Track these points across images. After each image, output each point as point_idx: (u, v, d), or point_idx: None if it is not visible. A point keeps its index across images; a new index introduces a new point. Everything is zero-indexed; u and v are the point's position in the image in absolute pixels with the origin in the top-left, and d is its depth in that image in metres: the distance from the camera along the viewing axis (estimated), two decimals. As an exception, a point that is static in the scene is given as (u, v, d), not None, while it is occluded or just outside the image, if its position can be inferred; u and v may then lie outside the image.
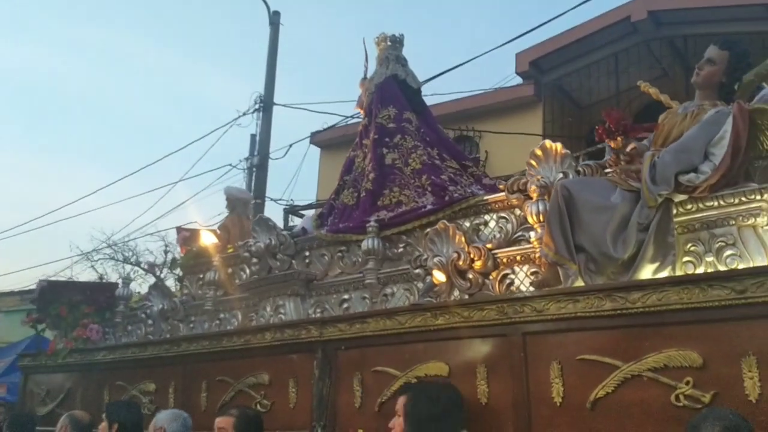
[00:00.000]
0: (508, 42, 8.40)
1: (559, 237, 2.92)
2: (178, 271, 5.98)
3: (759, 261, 2.62)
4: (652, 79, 8.81)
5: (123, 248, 16.13)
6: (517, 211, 3.65)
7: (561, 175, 3.39)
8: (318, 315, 4.31)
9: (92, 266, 16.37)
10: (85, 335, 5.75)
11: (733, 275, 2.49)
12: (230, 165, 10.26)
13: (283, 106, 9.96)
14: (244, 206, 6.82)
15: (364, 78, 5.53)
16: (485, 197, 3.84)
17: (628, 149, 3.02)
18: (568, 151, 3.44)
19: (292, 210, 9.13)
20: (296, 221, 8.30)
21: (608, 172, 3.27)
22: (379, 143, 4.82)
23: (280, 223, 9.32)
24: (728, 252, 2.68)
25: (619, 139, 2.96)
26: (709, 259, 2.74)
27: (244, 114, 9.63)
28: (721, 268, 2.69)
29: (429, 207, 4.11)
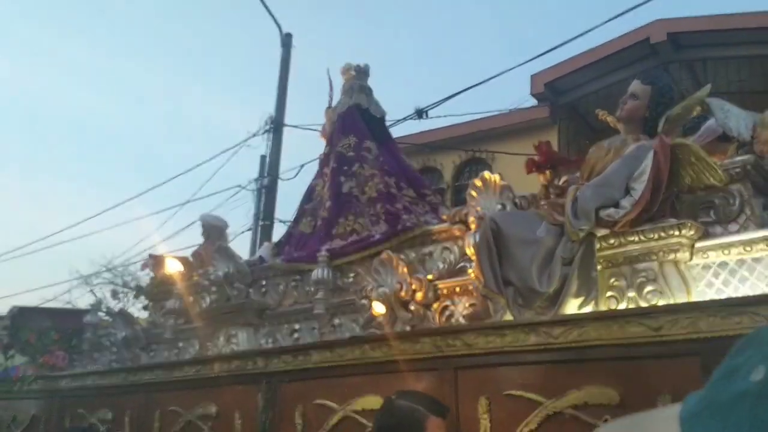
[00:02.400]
0: (523, 64, 8.02)
1: (488, 270, 2.90)
2: (141, 299, 5.97)
3: (680, 297, 2.60)
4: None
5: (123, 273, 16.08)
6: (460, 242, 3.64)
7: (499, 206, 3.39)
8: (271, 345, 4.29)
9: (91, 291, 16.32)
10: (51, 362, 5.74)
11: (649, 312, 2.47)
12: (239, 186, 10.20)
13: (294, 127, 9.89)
14: (219, 234, 6.82)
15: (329, 107, 5.56)
16: (430, 227, 3.83)
17: (560, 182, 3.01)
18: (508, 183, 3.43)
19: (276, 243, 9.13)
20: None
21: (543, 205, 3.26)
22: (337, 172, 4.84)
23: None
24: (649, 287, 2.66)
25: (548, 172, 2.96)
26: (631, 294, 2.72)
27: (254, 135, 9.58)
28: (642, 303, 2.67)
29: (378, 236, 4.11)
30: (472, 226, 3.38)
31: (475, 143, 9.97)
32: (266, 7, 9.53)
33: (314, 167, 10.36)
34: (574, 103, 9.61)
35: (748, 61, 7.98)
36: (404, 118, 8.32)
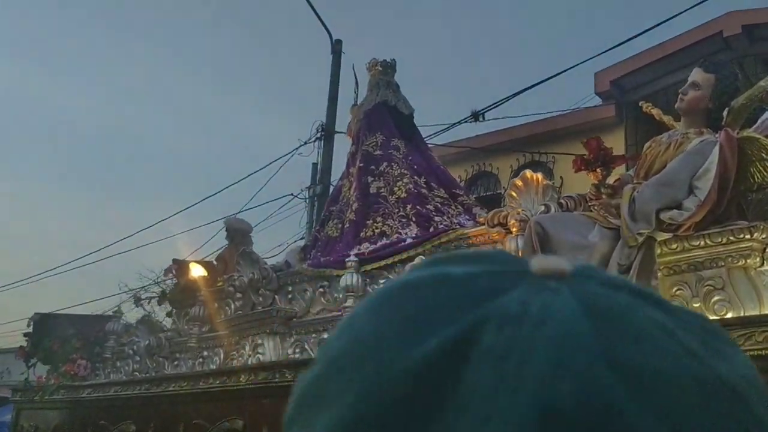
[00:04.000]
0: (586, 61, 7.45)
1: (533, 279, 2.66)
2: (165, 305, 5.82)
3: (750, 307, 2.34)
4: None
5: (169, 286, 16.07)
6: (499, 246, 3.40)
7: (543, 207, 3.15)
8: (297, 355, 4.10)
9: (141, 305, 16.35)
10: (73, 371, 5.63)
11: (722, 325, 2.22)
12: (291, 194, 10.04)
13: (345, 134, 9.72)
14: (243, 237, 6.66)
15: (355, 104, 5.37)
16: (466, 231, 3.60)
17: (612, 181, 2.77)
18: (550, 182, 3.19)
19: (303, 247, 8.88)
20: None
21: (591, 206, 3.02)
22: (364, 171, 4.63)
23: None
24: (717, 297, 2.40)
25: (598, 170, 2.71)
26: (697, 304, 2.46)
27: (305, 143, 9.43)
28: (710, 314, 2.42)
29: (409, 240, 3.89)
30: (513, 230, 3.15)
31: (535, 146, 9.38)
32: (316, 13, 9.34)
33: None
34: (642, 102, 9.15)
35: None
36: (459, 121, 8.03)
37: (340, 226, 4.57)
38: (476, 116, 8.81)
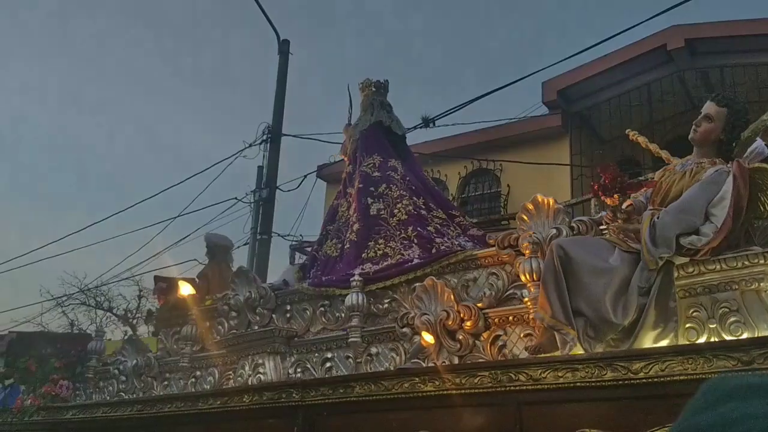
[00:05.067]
0: (536, 72, 7.66)
1: (555, 300, 2.76)
2: (152, 323, 5.71)
3: (763, 328, 2.48)
4: (680, 112, 8.54)
5: (95, 293, 15.68)
6: (508, 268, 3.50)
7: (554, 230, 3.25)
8: (299, 375, 4.09)
9: (63, 312, 15.92)
10: (54, 392, 5.46)
11: (739, 345, 2.35)
12: (235, 198, 9.85)
13: (293, 136, 9.55)
14: (225, 253, 6.61)
15: (348, 124, 5.42)
16: (475, 252, 3.68)
17: (624, 206, 2.89)
18: (561, 206, 3.31)
19: (299, 247, 8.64)
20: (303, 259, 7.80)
21: (603, 230, 3.14)
22: (363, 192, 4.68)
23: (287, 260, 8.76)
24: (732, 318, 2.54)
25: (615, 196, 2.83)
26: (712, 325, 2.60)
27: (250, 145, 9.24)
28: (725, 335, 2.55)
29: (416, 261, 3.95)
30: (526, 252, 3.24)
31: (483, 153, 9.54)
32: (264, 11, 9.30)
33: (309, 180, 10.18)
34: (586, 112, 9.36)
35: (765, 69, 7.85)
36: (411, 128, 8.12)
37: (339, 246, 4.59)
38: (427, 123, 8.92)
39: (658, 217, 2.64)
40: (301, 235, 9.58)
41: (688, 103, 8.63)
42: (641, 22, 6.67)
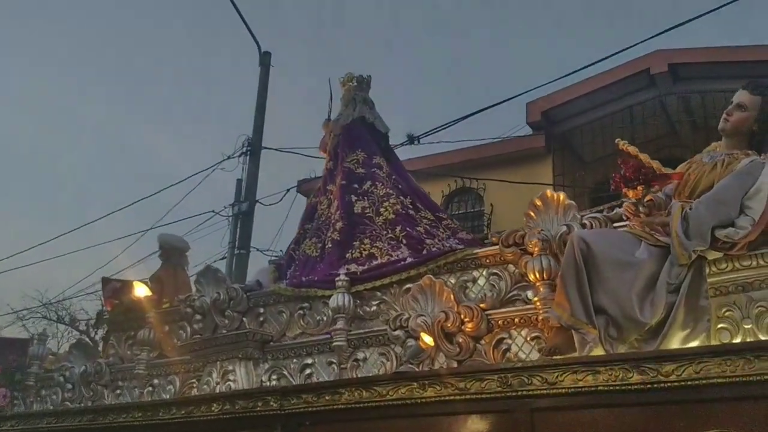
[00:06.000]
0: (522, 94, 7.77)
1: (575, 297, 2.54)
2: (102, 328, 5.25)
3: (803, 329, 2.32)
4: (660, 136, 8.60)
5: (57, 307, 14.91)
6: (511, 268, 3.27)
7: (564, 227, 3.06)
8: (275, 382, 3.75)
9: (23, 326, 15.07)
10: (-11, 401, 4.92)
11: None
12: (212, 211, 9.42)
13: (274, 150, 9.23)
14: (180, 255, 6.19)
15: (328, 119, 5.15)
16: (475, 251, 3.45)
17: (645, 201, 2.72)
18: (572, 202, 3.11)
19: (279, 263, 8.29)
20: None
21: (617, 226, 2.96)
22: (346, 190, 4.40)
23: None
24: (770, 318, 2.37)
25: (639, 188, 2.66)
26: (747, 326, 2.43)
27: (229, 158, 8.90)
28: (762, 336, 2.38)
29: (409, 260, 3.68)
30: (535, 250, 3.03)
31: (467, 172, 9.53)
32: (246, 23, 9.05)
33: (289, 194, 9.83)
34: (567, 134, 9.42)
35: None
36: (397, 145, 7.95)
37: (320, 245, 4.29)
38: (412, 140, 8.82)
39: (690, 209, 2.47)
40: (281, 250, 9.25)
41: (668, 127, 8.77)
42: (627, 48, 6.79)
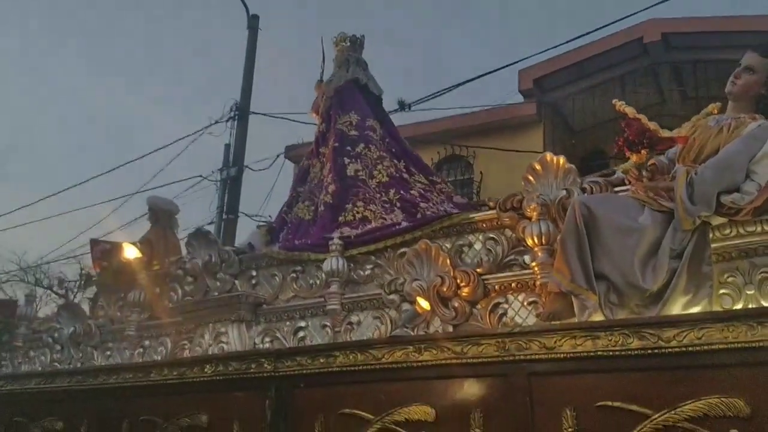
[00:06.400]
0: (514, 63, 7.76)
1: (575, 262, 2.51)
2: (85, 290, 5.19)
3: (805, 296, 2.31)
4: (650, 105, 8.56)
5: (35, 270, 14.80)
6: (508, 232, 3.24)
7: (564, 192, 3.02)
8: (267, 345, 3.73)
9: (1, 289, 14.97)
10: (-24, 361, 4.88)
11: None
12: (200, 176, 9.30)
13: (262, 114, 9.11)
14: (169, 218, 6.12)
15: (320, 80, 5.05)
16: (471, 215, 3.41)
17: (648, 164, 2.68)
18: (572, 166, 3.07)
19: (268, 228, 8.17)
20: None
21: (618, 190, 2.92)
22: (339, 152, 4.33)
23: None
24: (773, 285, 2.36)
25: (643, 152, 2.61)
26: (750, 291, 2.42)
27: (217, 122, 8.76)
28: (764, 302, 2.37)
29: (405, 224, 3.64)
30: (533, 215, 2.99)
31: (458, 139, 9.48)
32: None
33: (276, 160, 9.72)
34: (559, 102, 9.33)
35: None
36: (389, 112, 7.84)
37: (312, 208, 4.23)
38: (403, 107, 8.71)
39: (696, 173, 2.43)
40: (269, 216, 9.16)
41: (658, 96, 8.72)
42: (622, 18, 6.70)
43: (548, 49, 8.24)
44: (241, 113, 8.97)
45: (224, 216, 8.83)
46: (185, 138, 9.30)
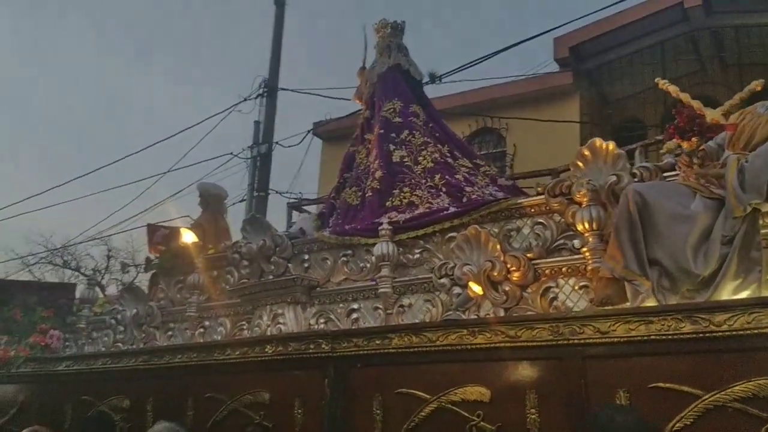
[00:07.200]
0: (549, 31, 7.48)
1: (629, 249, 2.60)
2: (152, 271, 5.41)
3: None
4: (689, 73, 8.37)
5: (62, 253, 15.19)
6: (557, 217, 3.32)
7: (614, 177, 3.08)
8: (322, 325, 3.90)
9: (29, 271, 15.44)
10: (44, 342, 5.16)
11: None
12: (231, 153, 9.37)
13: (291, 90, 9.08)
14: (219, 203, 6.31)
15: (363, 67, 5.13)
16: (519, 200, 3.50)
17: (698, 150, 2.73)
18: (622, 151, 3.13)
19: (297, 205, 7.99)
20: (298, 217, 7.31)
21: (668, 176, 2.98)
22: (384, 139, 4.43)
23: (283, 220, 8.22)
24: (821, 270, 2.42)
25: (694, 139, 2.66)
26: (799, 277, 2.48)
27: (246, 99, 8.77)
28: (813, 287, 2.43)
29: (452, 209, 3.75)
30: (584, 200, 3.07)
31: (491, 111, 9.26)
32: None
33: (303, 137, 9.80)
34: (595, 71, 9.08)
35: None
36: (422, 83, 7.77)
37: (360, 194, 4.36)
38: (434, 79, 8.61)
39: (746, 161, 2.48)
40: (300, 193, 9.21)
41: (698, 65, 8.49)
42: None
43: (585, 15, 7.95)
44: (269, 90, 9.00)
45: (255, 193, 8.92)
46: (215, 116, 9.37)
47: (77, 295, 5.89)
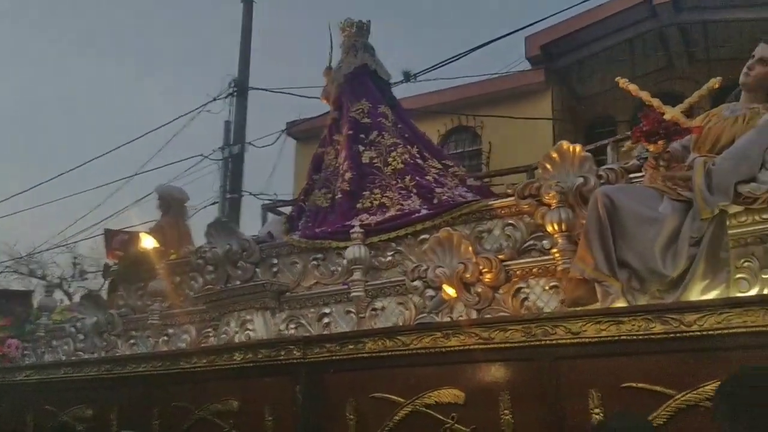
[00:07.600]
0: (523, 28, 7.53)
1: (599, 251, 2.63)
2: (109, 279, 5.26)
3: (818, 279, 2.44)
4: (659, 69, 8.50)
5: (28, 261, 14.72)
6: (527, 218, 3.34)
7: (581, 179, 3.11)
8: (293, 331, 3.85)
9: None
10: (2, 351, 4.99)
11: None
12: (201, 155, 9.08)
13: (262, 90, 8.95)
14: (180, 207, 6.17)
15: (329, 67, 5.08)
16: (490, 202, 3.51)
17: (663, 153, 2.77)
18: (588, 154, 3.16)
19: (273, 206, 7.70)
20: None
21: (634, 177, 3.03)
22: (353, 140, 4.40)
23: (258, 221, 8.00)
24: (788, 269, 2.48)
25: (660, 142, 2.70)
26: (766, 276, 2.54)
27: (215, 99, 8.58)
28: (779, 286, 2.49)
29: (423, 211, 3.74)
30: (552, 202, 3.09)
31: (464, 110, 9.28)
32: None
33: (275, 137, 9.65)
34: (566, 69, 9.17)
35: (750, 25, 7.82)
36: (396, 83, 7.72)
37: (329, 195, 4.31)
38: (408, 78, 8.60)
39: (713, 164, 2.53)
40: (275, 194, 9.05)
41: (667, 61, 8.66)
42: None
43: (556, 14, 8.01)
44: (240, 89, 8.86)
45: (227, 195, 8.78)
46: (184, 116, 9.13)
47: (34, 303, 5.70)
